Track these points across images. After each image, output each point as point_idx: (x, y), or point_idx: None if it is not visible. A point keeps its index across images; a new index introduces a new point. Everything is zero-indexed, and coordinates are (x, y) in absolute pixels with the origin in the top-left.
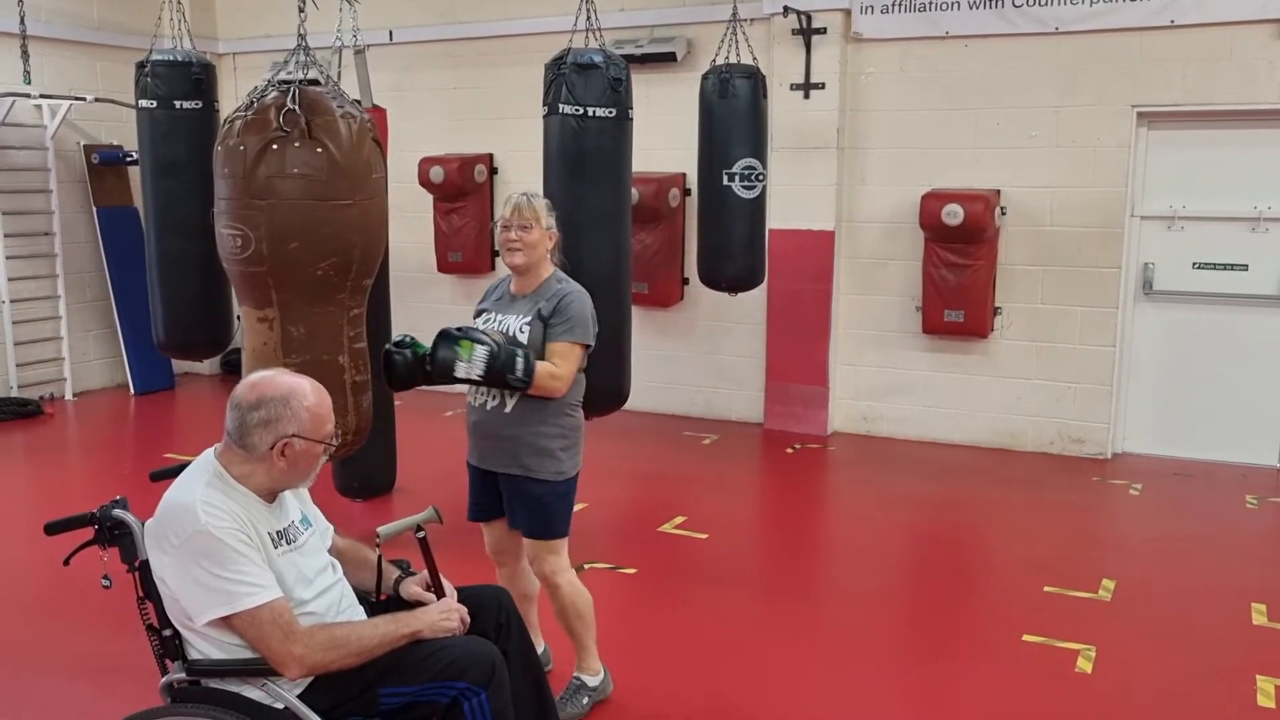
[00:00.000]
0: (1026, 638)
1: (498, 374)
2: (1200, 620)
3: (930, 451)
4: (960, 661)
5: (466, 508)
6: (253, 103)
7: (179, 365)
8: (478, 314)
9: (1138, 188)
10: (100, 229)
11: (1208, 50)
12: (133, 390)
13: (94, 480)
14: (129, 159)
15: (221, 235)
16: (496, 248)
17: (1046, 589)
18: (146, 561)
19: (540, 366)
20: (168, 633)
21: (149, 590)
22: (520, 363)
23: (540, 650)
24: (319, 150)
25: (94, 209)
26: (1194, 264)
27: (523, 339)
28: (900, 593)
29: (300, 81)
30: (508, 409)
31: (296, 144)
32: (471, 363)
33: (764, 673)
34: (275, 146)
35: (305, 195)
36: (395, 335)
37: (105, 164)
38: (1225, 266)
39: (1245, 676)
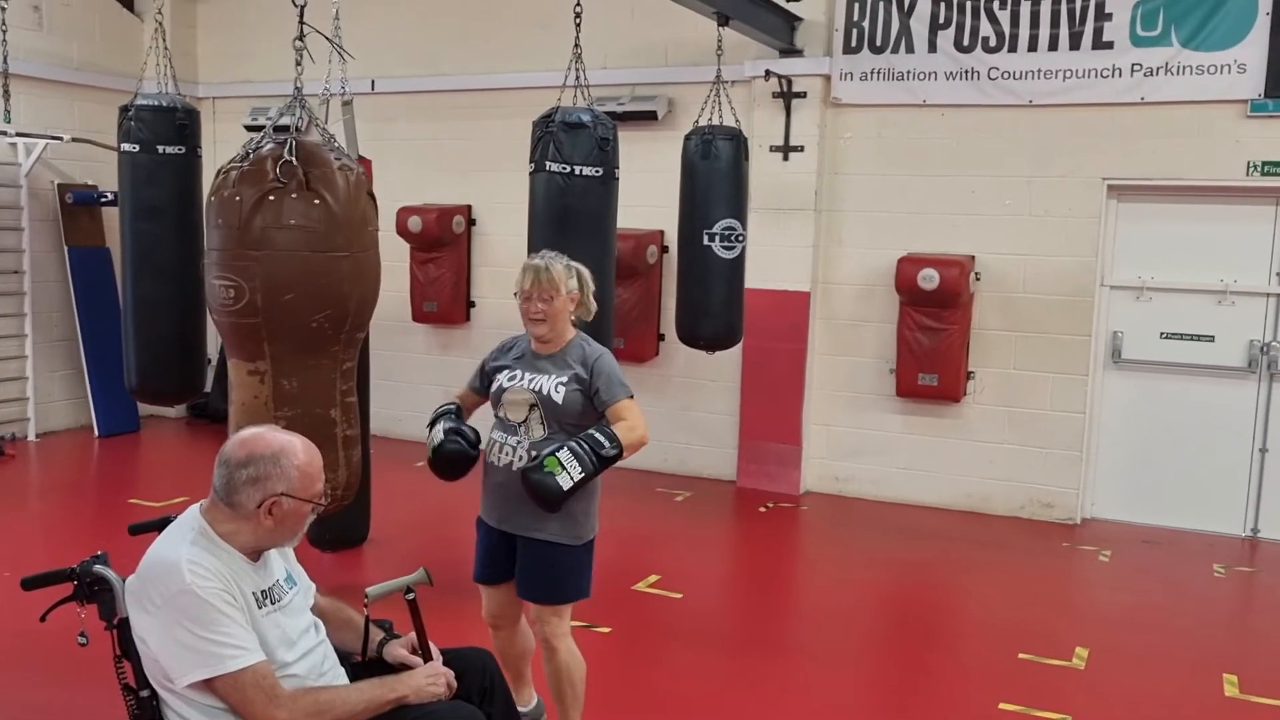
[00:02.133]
0: (1003, 706)
1: (594, 462)
2: (1173, 691)
3: (902, 513)
4: None
5: (474, 567)
6: (248, 153)
7: (144, 408)
8: (497, 369)
9: (1107, 258)
10: (71, 268)
11: (1177, 127)
12: (97, 432)
13: (57, 526)
14: (104, 199)
15: (213, 286)
16: (522, 319)
17: (1021, 655)
18: (126, 619)
19: (619, 429)
20: (145, 693)
21: (127, 649)
22: (602, 438)
23: (534, 703)
24: (316, 202)
25: (65, 248)
26: (1162, 334)
27: (558, 399)
28: (875, 656)
29: (297, 130)
30: None
31: (294, 195)
32: (569, 470)
33: None
34: (272, 198)
35: (302, 247)
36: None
37: (79, 204)
38: (1192, 337)
39: None
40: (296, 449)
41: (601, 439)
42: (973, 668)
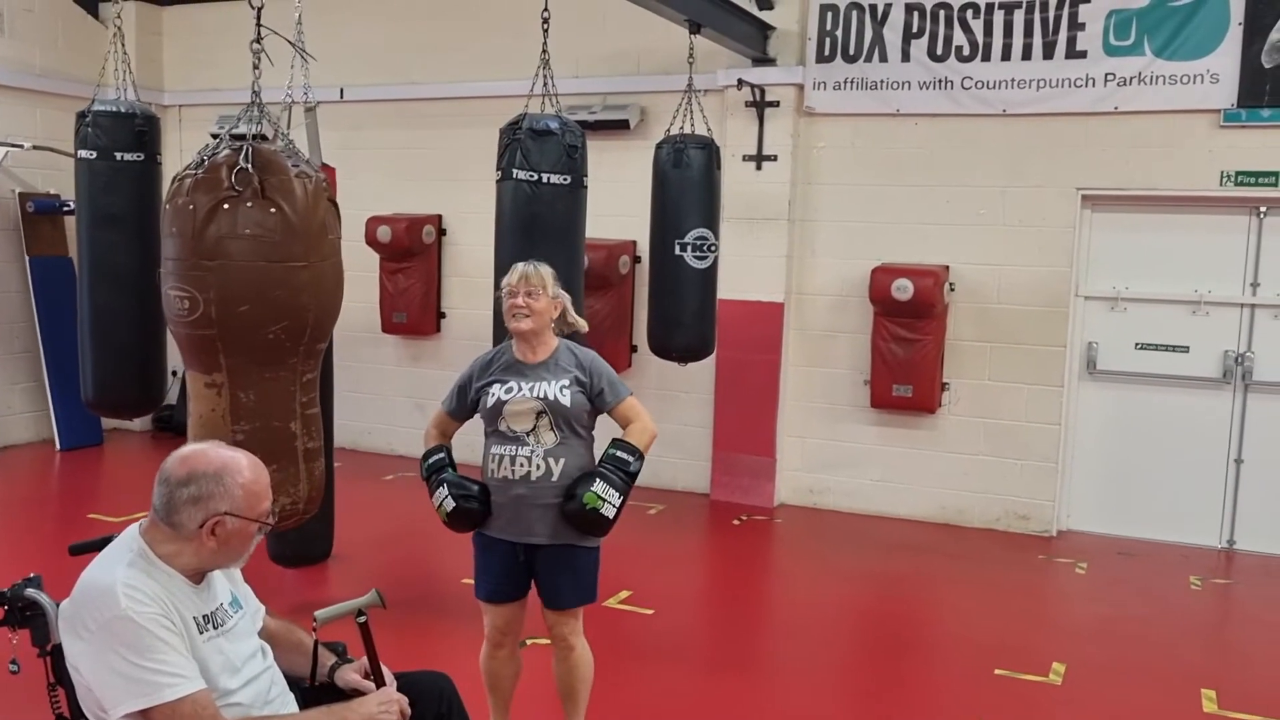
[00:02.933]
0: None
1: (625, 482)
2: (1151, 707)
3: (877, 526)
4: None
5: (477, 582)
6: (203, 160)
7: (108, 421)
8: (486, 386)
9: (1082, 268)
10: (32, 279)
11: (1151, 137)
12: (58, 446)
13: (10, 543)
14: (66, 208)
15: (168, 296)
16: (504, 318)
17: (997, 671)
18: (59, 646)
19: (630, 433)
20: None
21: (61, 677)
22: (624, 455)
23: None
24: (272, 210)
25: (26, 258)
26: (1136, 344)
27: (565, 402)
28: (850, 672)
29: (254, 138)
30: (555, 477)
31: (249, 204)
32: (609, 500)
33: None
34: (227, 206)
35: (257, 257)
36: (446, 495)
37: (40, 213)
38: (1167, 348)
39: None
40: (241, 466)
41: (625, 457)
42: (949, 684)
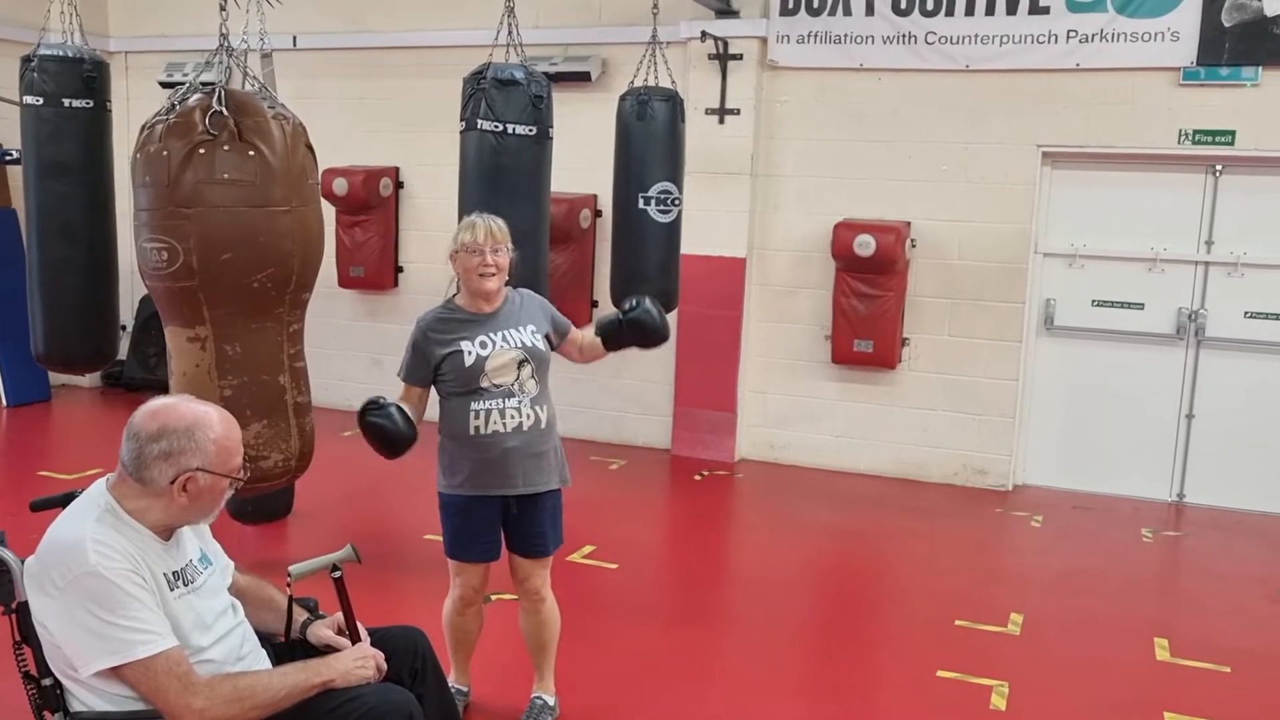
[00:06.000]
0: (941, 673)
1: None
2: (1107, 656)
3: (837, 481)
4: (876, 697)
5: (456, 545)
6: (174, 105)
7: (56, 377)
8: (451, 347)
9: (1041, 225)
10: None
11: (1111, 94)
12: (4, 402)
13: None
14: (9, 158)
15: (144, 249)
16: (455, 277)
17: (957, 622)
18: (25, 603)
19: (586, 337)
20: (48, 682)
21: (27, 635)
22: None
23: (469, 687)
24: (251, 154)
25: None
26: (1093, 301)
27: (542, 347)
28: (811, 625)
29: (224, 82)
30: (543, 424)
31: (226, 147)
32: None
33: (674, 706)
34: (203, 151)
35: (238, 202)
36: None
37: None
38: (1123, 305)
39: (1155, 713)
40: (212, 421)
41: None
42: (910, 635)
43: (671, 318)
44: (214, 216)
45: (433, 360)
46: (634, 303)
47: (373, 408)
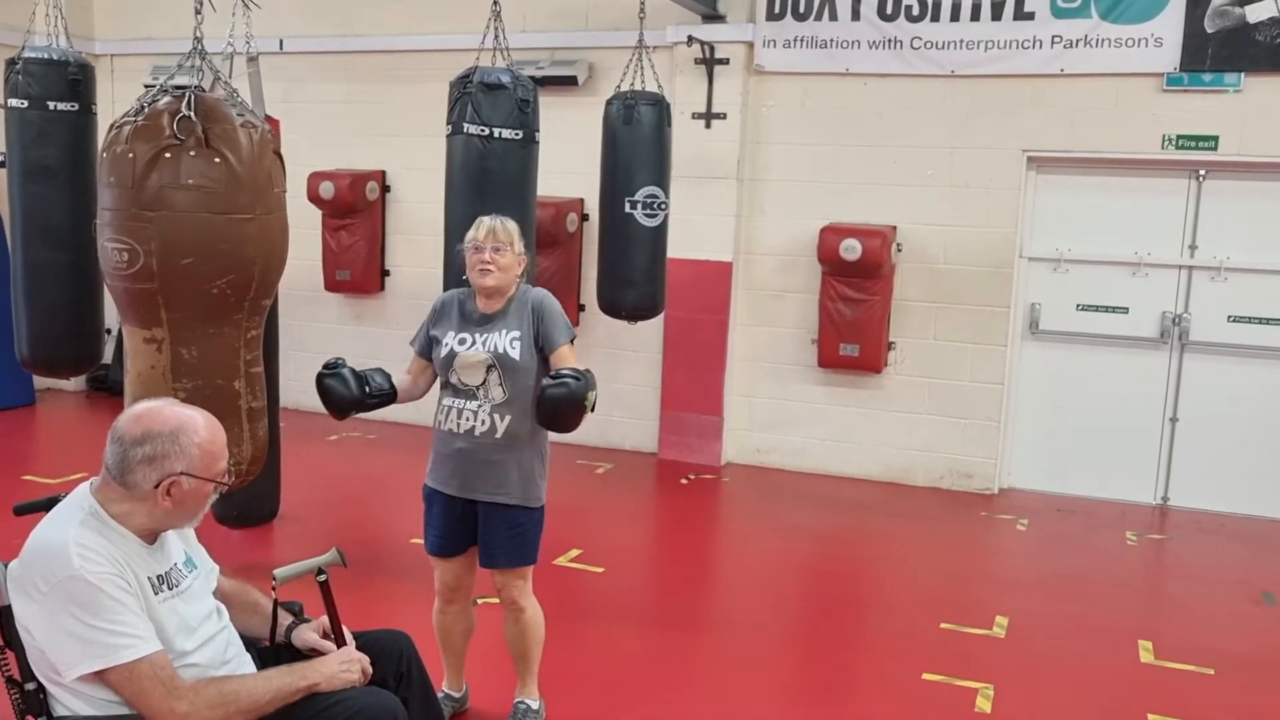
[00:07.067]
0: (926, 676)
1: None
2: (1091, 658)
3: (823, 484)
4: (862, 700)
5: (428, 541)
6: (143, 107)
7: (40, 381)
8: (441, 334)
9: (1026, 230)
10: None
11: (1095, 99)
12: None
13: None
14: None
15: (105, 249)
16: (464, 273)
17: (942, 625)
18: (8, 608)
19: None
20: (31, 687)
21: (10, 639)
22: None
23: (465, 690)
24: (217, 160)
25: None
26: (1078, 305)
27: (514, 354)
28: (798, 628)
29: (196, 87)
30: (499, 434)
31: (192, 153)
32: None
33: (660, 709)
34: (169, 155)
35: (201, 208)
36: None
37: None
38: (1107, 309)
39: (1139, 715)
40: (197, 425)
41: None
42: (896, 638)
43: (657, 322)
44: (176, 221)
45: (428, 336)
46: (554, 377)
47: (327, 369)
